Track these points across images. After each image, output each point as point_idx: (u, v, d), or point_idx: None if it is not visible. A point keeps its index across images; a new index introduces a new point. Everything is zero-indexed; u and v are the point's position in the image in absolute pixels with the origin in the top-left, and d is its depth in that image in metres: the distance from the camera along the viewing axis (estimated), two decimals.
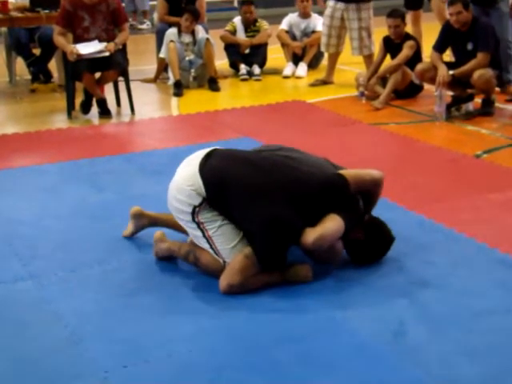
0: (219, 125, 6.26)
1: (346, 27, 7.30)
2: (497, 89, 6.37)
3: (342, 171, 3.33)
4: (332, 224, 3.12)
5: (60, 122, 6.35)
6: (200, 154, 3.29)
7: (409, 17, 7.97)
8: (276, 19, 8.97)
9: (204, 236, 3.16)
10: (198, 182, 3.13)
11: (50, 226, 3.94)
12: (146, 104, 7.02)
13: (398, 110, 6.50)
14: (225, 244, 3.13)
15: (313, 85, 7.63)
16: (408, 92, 6.81)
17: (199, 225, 3.16)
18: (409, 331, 2.79)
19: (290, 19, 8.49)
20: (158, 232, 3.50)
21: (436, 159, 5.04)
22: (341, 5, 7.20)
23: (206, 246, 3.19)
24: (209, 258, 3.21)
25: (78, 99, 6.61)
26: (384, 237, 3.39)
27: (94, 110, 6.52)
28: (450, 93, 6.23)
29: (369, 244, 3.31)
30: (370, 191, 3.39)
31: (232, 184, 3.13)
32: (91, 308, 3.05)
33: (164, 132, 6.15)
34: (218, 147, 3.37)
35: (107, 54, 6.24)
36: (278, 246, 3.11)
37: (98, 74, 6.50)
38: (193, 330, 2.85)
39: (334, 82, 7.67)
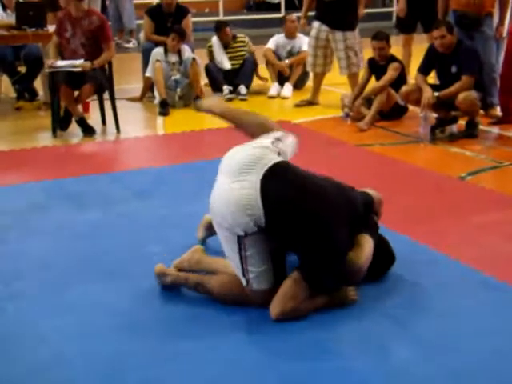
0: (205, 144, 6.27)
1: (332, 48, 7.34)
2: (481, 111, 6.42)
3: (366, 190, 3.43)
4: (369, 247, 3.18)
5: (45, 139, 6.33)
6: (260, 164, 3.04)
7: (400, 39, 8.08)
8: (262, 39, 9.01)
9: (239, 252, 3.05)
10: (259, 210, 2.94)
11: (33, 245, 3.91)
12: (132, 123, 7.03)
13: (383, 132, 6.53)
14: (255, 267, 3.05)
15: (298, 105, 7.67)
16: (393, 113, 6.86)
17: (240, 244, 3.04)
18: (393, 353, 2.79)
19: (277, 39, 8.55)
20: (157, 265, 3.38)
21: (420, 181, 5.06)
22: (325, 27, 7.25)
23: (235, 262, 3.09)
24: (219, 286, 3.18)
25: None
26: (388, 255, 3.45)
27: (79, 129, 6.51)
28: (435, 115, 6.27)
29: (373, 260, 3.29)
30: (376, 211, 3.48)
31: (299, 216, 3.00)
32: (74, 329, 3.02)
33: (149, 151, 6.15)
34: (278, 159, 3.14)
35: (79, 69, 6.23)
36: (331, 273, 3.08)
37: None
38: (176, 352, 2.83)
39: (320, 102, 7.70)
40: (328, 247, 3.01)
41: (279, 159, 3.13)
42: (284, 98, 8.15)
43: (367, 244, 3.18)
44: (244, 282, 3.11)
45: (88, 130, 6.44)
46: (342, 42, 7.22)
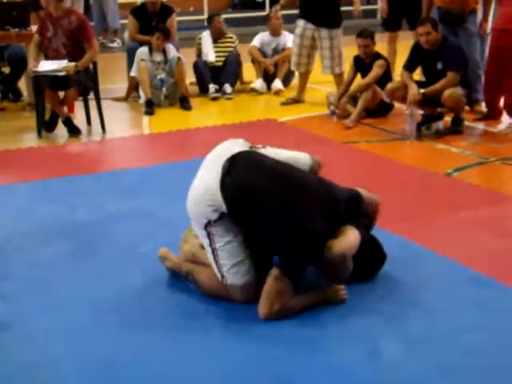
0: (191, 144, 6.25)
1: (317, 46, 7.34)
2: (466, 108, 6.44)
3: (359, 190, 3.37)
4: (353, 236, 3.10)
5: (30, 140, 6.30)
6: (224, 155, 3.13)
7: (385, 36, 8.10)
8: (247, 38, 9.01)
9: (210, 245, 3.10)
10: (219, 200, 3.01)
11: (20, 245, 3.88)
12: (117, 123, 7.00)
13: (369, 129, 6.54)
14: (227, 260, 3.07)
15: (284, 103, 7.66)
16: (378, 111, 6.87)
17: (209, 235, 3.09)
18: (384, 350, 2.79)
19: (262, 37, 8.54)
20: (162, 249, 3.50)
21: (407, 177, 5.07)
22: (311, 25, 7.24)
23: (209, 255, 3.13)
24: (205, 278, 3.20)
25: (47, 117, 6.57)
26: (379, 254, 3.43)
27: (65, 129, 6.47)
28: (421, 112, 6.29)
29: (364, 260, 3.27)
30: (369, 212, 3.41)
31: (260, 201, 3.02)
32: (63, 328, 3.00)
33: (135, 151, 6.13)
34: (241, 147, 3.23)
35: (62, 73, 6.20)
36: (308, 258, 3.04)
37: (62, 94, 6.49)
38: (166, 352, 2.82)
39: (305, 100, 7.70)
40: (299, 233, 2.96)
41: (245, 149, 3.22)
42: (278, 91, 8.15)
43: (351, 233, 3.10)
44: (219, 277, 3.12)
45: (74, 131, 6.42)
46: (327, 41, 7.21)
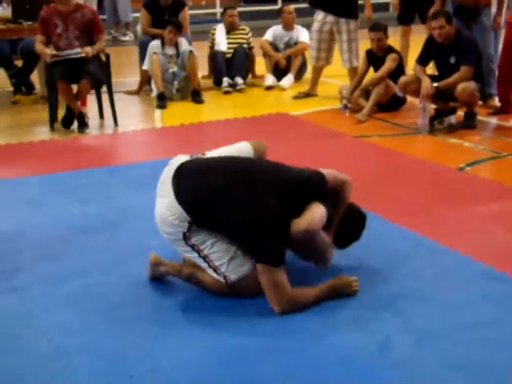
0: (203, 137, 6.26)
1: (335, 40, 7.33)
2: (479, 102, 6.41)
3: (320, 169, 3.35)
4: (317, 210, 3.09)
5: (42, 133, 6.32)
6: (170, 173, 3.20)
7: (398, 30, 8.07)
8: (259, 31, 8.99)
9: (200, 256, 3.10)
10: (179, 210, 3.05)
11: (32, 238, 3.90)
12: (129, 116, 7.01)
13: (381, 123, 6.52)
14: (221, 259, 3.07)
15: (296, 97, 7.65)
16: (391, 105, 6.84)
17: (193, 247, 3.10)
18: (394, 344, 2.78)
19: (275, 31, 8.53)
20: (152, 254, 3.41)
21: (419, 172, 5.05)
22: (330, 18, 7.22)
23: (204, 265, 3.13)
24: (211, 278, 3.17)
25: (61, 111, 6.58)
26: (358, 218, 3.47)
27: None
28: (433, 106, 6.26)
29: (345, 229, 3.38)
30: (339, 193, 3.39)
31: (214, 198, 3.06)
32: (75, 322, 3.01)
33: (147, 144, 6.13)
34: (183, 159, 3.30)
35: (83, 54, 6.24)
36: (275, 242, 3.02)
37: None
38: (176, 344, 2.82)
39: (318, 94, 7.68)
40: (258, 221, 2.97)
41: (186, 159, 3.29)
42: (281, 87, 8.13)
43: (315, 207, 3.10)
44: (223, 280, 3.11)
45: (81, 125, 6.38)
46: (345, 34, 7.20)
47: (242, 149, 3.47)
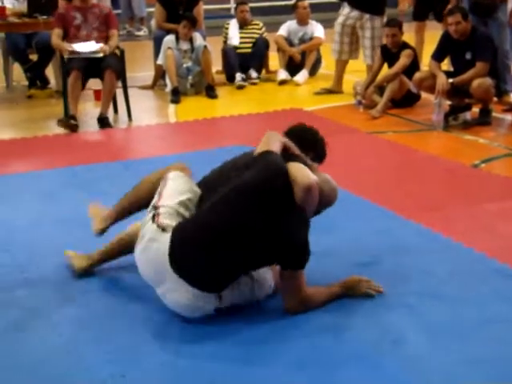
0: (217, 132, 6.27)
1: (358, 35, 7.31)
2: (494, 98, 6.38)
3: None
4: (297, 168, 2.95)
5: (57, 127, 6.33)
6: (161, 259, 2.88)
7: (413, 26, 8.03)
8: (273, 27, 8.98)
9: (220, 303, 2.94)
10: (207, 295, 2.87)
11: (47, 232, 3.91)
12: (144, 111, 7.02)
13: (396, 119, 6.50)
14: (242, 295, 2.97)
15: (318, 93, 7.62)
16: (405, 101, 6.82)
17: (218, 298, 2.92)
18: (408, 341, 2.77)
19: (289, 26, 8.52)
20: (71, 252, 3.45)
21: (434, 168, 5.04)
22: (355, 13, 7.20)
23: (241, 295, 2.98)
24: None
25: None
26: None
27: (93, 117, 6.49)
28: (448, 102, 6.23)
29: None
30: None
31: (233, 248, 2.85)
32: (87, 316, 3.02)
33: (161, 139, 6.14)
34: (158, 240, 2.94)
35: (101, 54, 6.30)
36: (306, 242, 2.91)
37: (94, 85, 6.49)
38: (190, 336, 2.83)
39: (344, 91, 7.59)
40: (289, 233, 2.85)
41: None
42: (296, 83, 8.12)
43: (296, 168, 2.93)
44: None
45: (71, 126, 6.20)
46: (369, 31, 7.17)
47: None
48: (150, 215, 3.01)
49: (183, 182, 3.16)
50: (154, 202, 3.09)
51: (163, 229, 2.91)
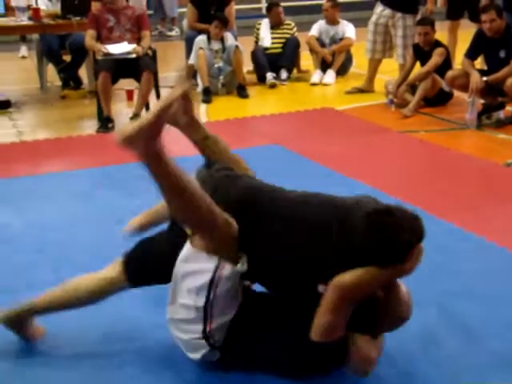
0: (248, 132, 6.28)
1: (391, 34, 7.28)
2: None
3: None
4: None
5: (90, 128, 6.40)
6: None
7: (445, 24, 7.98)
8: (305, 26, 8.97)
9: None
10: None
11: (80, 231, 3.96)
12: None
13: (428, 118, 6.46)
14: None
15: (349, 92, 7.60)
16: (438, 99, 6.78)
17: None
18: (440, 341, 2.76)
19: (320, 26, 8.49)
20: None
21: (466, 167, 5.00)
22: (387, 12, 7.17)
23: None
24: None
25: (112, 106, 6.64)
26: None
27: (126, 117, 6.53)
28: (481, 101, 6.18)
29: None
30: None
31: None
32: (121, 314, 3.05)
33: None
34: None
35: (134, 55, 6.36)
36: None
37: (126, 85, 6.54)
38: None
39: (375, 90, 7.56)
40: None
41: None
42: (326, 84, 8.11)
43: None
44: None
45: (104, 127, 6.28)
46: (401, 29, 7.13)
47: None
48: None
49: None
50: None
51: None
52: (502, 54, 5.99)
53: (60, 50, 7.55)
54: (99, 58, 6.40)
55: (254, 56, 8.27)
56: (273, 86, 7.92)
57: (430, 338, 2.79)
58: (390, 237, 2.31)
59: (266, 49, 8.27)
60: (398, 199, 4.26)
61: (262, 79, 8.15)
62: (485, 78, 6.00)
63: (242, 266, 2.40)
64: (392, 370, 2.58)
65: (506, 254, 3.53)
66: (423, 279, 3.24)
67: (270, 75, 8.01)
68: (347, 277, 2.30)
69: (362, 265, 2.31)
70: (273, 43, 8.31)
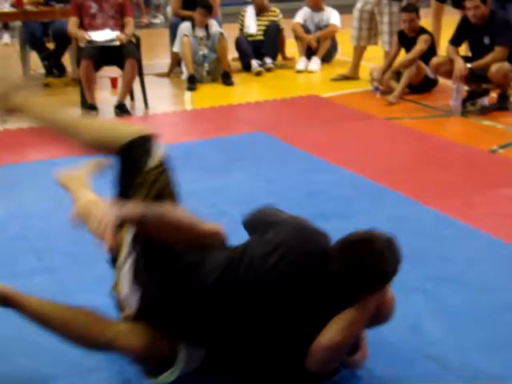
0: (233, 119, 6.26)
1: (376, 20, 7.26)
2: None
3: None
4: None
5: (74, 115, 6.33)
6: None
7: (431, 9, 7.96)
8: (289, 13, 8.95)
9: None
10: None
11: (65, 219, 3.92)
12: (160, 98, 7.03)
13: (413, 105, 6.47)
14: None
15: (334, 79, 7.59)
16: (422, 86, 6.79)
17: None
18: (426, 326, 2.77)
19: (305, 13, 8.49)
20: None
21: (451, 154, 5.01)
22: None
23: None
24: None
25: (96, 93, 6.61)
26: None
27: (110, 104, 6.50)
28: (466, 87, 6.19)
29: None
30: None
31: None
32: (102, 301, 3.04)
33: (178, 126, 6.15)
34: None
35: (117, 43, 6.30)
36: None
37: (110, 72, 6.49)
38: None
39: (360, 77, 7.56)
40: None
41: None
42: (311, 71, 8.10)
43: None
44: None
45: (88, 113, 6.25)
46: (386, 16, 7.12)
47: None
48: None
49: None
50: None
51: None
52: (487, 40, 6.00)
53: (43, 38, 7.49)
54: (82, 45, 6.35)
55: (238, 44, 8.24)
56: (259, 74, 7.90)
57: (416, 323, 2.79)
58: (370, 265, 2.21)
59: (251, 36, 8.25)
60: (382, 186, 4.28)
61: (247, 67, 8.13)
62: (469, 65, 6.00)
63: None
64: (377, 355, 2.58)
65: (491, 240, 3.54)
66: (409, 265, 3.24)
67: (255, 62, 7.99)
68: (329, 335, 2.18)
69: (350, 297, 2.22)
70: (258, 30, 8.28)
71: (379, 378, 2.47)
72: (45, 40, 7.53)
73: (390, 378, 2.47)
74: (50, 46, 7.59)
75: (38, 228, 3.83)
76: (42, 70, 7.81)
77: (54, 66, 7.73)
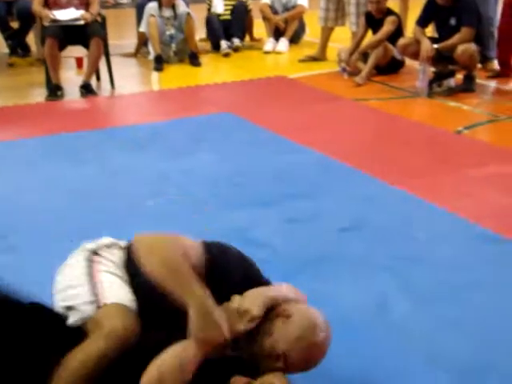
0: (200, 100, 6.22)
1: (344, 1, 7.25)
2: (478, 65, 6.37)
3: None
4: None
5: (39, 96, 6.27)
6: None
7: None
8: None
9: None
10: None
11: (27, 200, 3.89)
12: (127, 78, 6.96)
13: (380, 86, 6.49)
14: None
15: (302, 60, 7.58)
16: (389, 68, 6.81)
17: None
18: (392, 304, 2.79)
19: None
20: None
21: (417, 135, 5.04)
22: None
23: None
24: None
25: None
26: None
27: (75, 85, 6.42)
28: (432, 68, 6.22)
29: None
30: None
31: None
32: None
33: (145, 107, 6.11)
34: None
35: (82, 22, 6.19)
36: None
37: (76, 52, 6.41)
38: None
39: (328, 58, 7.56)
40: None
41: None
42: (279, 52, 8.08)
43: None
44: None
45: (52, 95, 6.19)
46: None
47: None
48: None
49: None
50: None
51: None
52: (453, 21, 6.02)
53: (7, 17, 7.38)
54: (46, 24, 6.24)
55: (208, 23, 8.19)
56: (227, 55, 7.85)
57: (383, 302, 2.81)
58: None
59: (219, 15, 8.20)
60: (349, 166, 4.29)
61: (216, 47, 8.08)
62: (436, 46, 6.03)
63: None
64: (344, 335, 2.59)
65: (456, 219, 3.57)
66: (376, 244, 3.28)
67: (224, 43, 7.95)
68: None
69: None
70: (225, 10, 8.23)
71: (344, 357, 2.48)
72: (9, 19, 7.41)
73: (355, 355, 2.48)
74: (14, 25, 7.47)
75: (2, 209, 3.77)
76: (6, 50, 7.69)
77: (18, 46, 7.63)
